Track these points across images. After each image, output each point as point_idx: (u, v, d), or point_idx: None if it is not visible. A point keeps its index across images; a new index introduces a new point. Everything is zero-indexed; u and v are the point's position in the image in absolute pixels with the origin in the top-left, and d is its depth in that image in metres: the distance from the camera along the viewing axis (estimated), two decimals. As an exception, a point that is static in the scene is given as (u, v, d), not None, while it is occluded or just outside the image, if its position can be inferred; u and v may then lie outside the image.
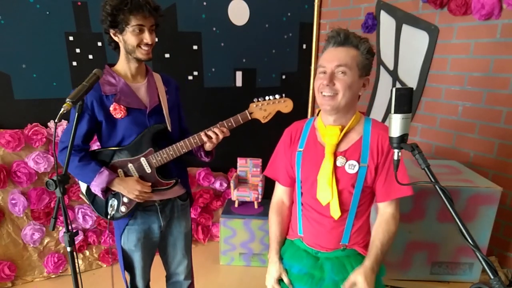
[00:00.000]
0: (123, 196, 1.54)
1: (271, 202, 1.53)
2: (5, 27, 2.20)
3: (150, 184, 1.53)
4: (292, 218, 1.45)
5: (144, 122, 1.53)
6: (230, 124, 1.52)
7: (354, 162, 1.26)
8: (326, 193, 1.26)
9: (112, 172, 1.50)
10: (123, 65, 1.53)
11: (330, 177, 1.25)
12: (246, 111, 1.52)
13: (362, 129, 1.30)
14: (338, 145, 1.27)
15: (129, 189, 1.49)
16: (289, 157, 1.38)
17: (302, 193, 1.35)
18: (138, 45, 1.45)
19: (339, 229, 1.31)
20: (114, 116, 1.48)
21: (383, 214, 1.32)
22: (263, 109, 1.52)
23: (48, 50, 2.34)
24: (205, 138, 1.50)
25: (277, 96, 1.52)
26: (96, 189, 1.48)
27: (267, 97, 1.52)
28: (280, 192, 1.50)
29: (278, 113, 1.56)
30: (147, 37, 1.44)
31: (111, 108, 1.47)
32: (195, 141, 1.51)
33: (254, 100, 1.52)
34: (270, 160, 1.48)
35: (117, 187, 1.50)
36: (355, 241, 1.33)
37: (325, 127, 1.29)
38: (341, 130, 1.27)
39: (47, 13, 2.28)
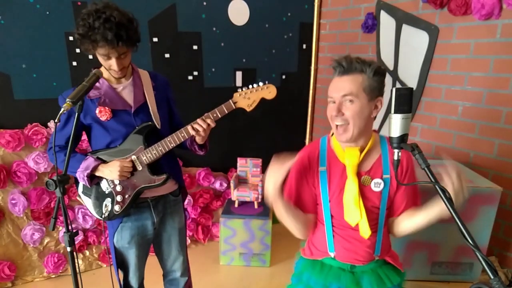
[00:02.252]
0: (116, 195, 1.56)
1: None
2: (5, 27, 2.20)
3: (130, 160, 1.53)
4: (316, 238, 1.41)
5: (131, 121, 1.54)
6: (215, 115, 1.52)
7: (379, 180, 1.27)
8: (354, 214, 1.27)
9: (96, 159, 1.52)
10: (106, 70, 1.53)
11: (357, 198, 1.25)
12: (230, 100, 1.52)
13: (380, 147, 1.32)
14: (360, 165, 1.27)
15: (112, 169, 1.50)
16: (311, 179, 1.34)
17: (332, 215, 1.33)
18: (109, 68, 1.45)
19: (373, 241, 1.32)
20: (100, 118, 1.50)
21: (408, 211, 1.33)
22: (247, 97, 1.52)
23: (48, 50, 2.34)
24: (192, 131, 1.51)
25: (260, 84, 1.52)
26: (82, 175, 1.49)
27: (250, 86, 1.52)
28: None
29: (263, 100, 1.54)
30: (114, 66, 1.43)
31: (96, 111, 1.49)
32: (183, 135, 1.52)
33: (237, 90, 1.53)
34: (286, 184, 1.39)
35: (101, 171, 1.51)
36: (384, 251, 1.36)
37: (344, 149, 1.29)
38: (361, 151, 1.27)
39: (47, 13, 2.28)
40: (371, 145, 1.29)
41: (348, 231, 1.31)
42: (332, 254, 1.35)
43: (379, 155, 1.31)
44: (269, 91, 1.53)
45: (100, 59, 1.43)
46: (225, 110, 1.51)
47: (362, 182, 1.28)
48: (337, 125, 1.24)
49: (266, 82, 1.53)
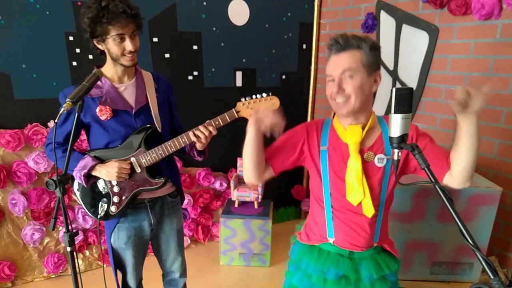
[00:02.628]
0: (113, 196, 1.56)
1: None
2: (5, 27, 2.20)
3: (128, 162, 1.53)
4: (314, 222, 1.41)
5: (131, 122, 1.54)
6: (217, 123, 1.52)
7: (383, 156, 1.27)
8: (357, 192, 1.25)
9: (94, 159, 1.52)
10: (110, 68, 1.54)
11: (360, 176, 1.24)
12: (233, 109, 1.53)
13: (380, 126, 1.32)
14: (362, 142, 1.27)
15: (109, 170, 1.49)
16: (306, 151, 1.33)
17: (331, 194, 1.32)
18: (122, 53, 1.45)
19: (373, 226, 1.31)
20: (100, 117, 1.50)
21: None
22: (250, 107, 1.52)
23: (48, 50, 2.34)
24: (193, 138, 1.51)
25: (264, 95, 1.53)
26: (78, 174, 1.49)
27: (254, 96, 1.53)
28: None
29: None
30: (129, 45, 1.43)
31: (97, 110, 1.49)
32: (184, 140, 1.52)
33: (241, 99, 1.53)
34: (273, 143, 1.41)
35: (98, 170, 1.51)
36: (382, 238, 1.35)
37: (346, 128, 1.29)
38: (363, 129, 1.26)
39: (47, 13, 2.28)
40: (372, 123, 1.28)
41: (348, 214, 1.30)
42: (331, 240, 1.34)
43: (380, 132, 1.30)
44: (272, 103, 1.54)
45: (112, 45, 1.42)
46: (228, 118, 1.52)
47: (366, 158, 1.27)
48: (337, 102, 1.23)
49: (270, 94, 1.54)
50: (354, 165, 1.25)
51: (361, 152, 1.27)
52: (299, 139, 1.34)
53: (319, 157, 1.32)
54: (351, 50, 1.21)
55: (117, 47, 1.43)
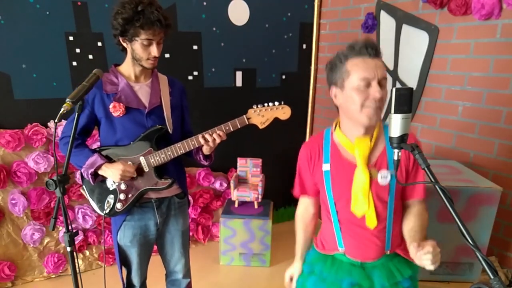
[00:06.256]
0: (120, 193, 1.57)
1: (295, 214, 1.54)
2: (5, 27, 2.20)
3: (134, 164, 1.54)
4: (325, 233, 1.41)
5: (143, 121, 1.56)
6: (227, 128, 1.54)
7: (386, 173, 1.23)
8: (362, 205, 1.25)
9: (103, 157, 1.53)
10: (128, 67, 1.57)
11: (367, 189, 1.23)
12: (244, 116, 1.55)
13: (384, 137, 1.29)
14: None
15: (114, 170, 1.50)
16: (313, 174, 1.36)
17: (337, 210, 1.32)
18: (147, 57, 1.49)
19: (382, 237, 1.30)
20: (113, 114, 1.52)
21: (413, 208, 1.31)
22: (261, 115, 1.55)
23: (48, 50, 2.34)
24: (202, 141, 1.53)
25: (276, 103, 1.56)
26: (86, 172, 1.51)
27: (265, 104, 1.55)
28: (305, 203, 1.49)
29: (276, 119, 1.58)
30: (154, 51, 1.48)
31: (110, 106, 1.51)
32: (193, 143, 1.54)
33: (253, 106, 1.55)
34: (295, 181, 1.46)
35: (104, 170, 1.52)
36: (395, 244, 1.34)
37: (353, 141, 1.25)
38: (370, 140, 1.24)
39: (47, 13, 2.28)
40: (378, 133, 1.26)
41: (355, 228, 1.30)
42: (341, 250, 1.34)
43: (383, 146, 1.27)
44: (283, 112, 1.57)
45: (139, 47, 1.46)
46: (238, 124, 1.54)
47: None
48: (375, 107, 1.17)
49: (282, 103, 1.56)
50: (362, 179, 1.23)
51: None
52: (309, 167, 1.37)
53: (323, 177, 1.32)
54: (380, 59, 1.18)
55: (143, 50, 1.47)
